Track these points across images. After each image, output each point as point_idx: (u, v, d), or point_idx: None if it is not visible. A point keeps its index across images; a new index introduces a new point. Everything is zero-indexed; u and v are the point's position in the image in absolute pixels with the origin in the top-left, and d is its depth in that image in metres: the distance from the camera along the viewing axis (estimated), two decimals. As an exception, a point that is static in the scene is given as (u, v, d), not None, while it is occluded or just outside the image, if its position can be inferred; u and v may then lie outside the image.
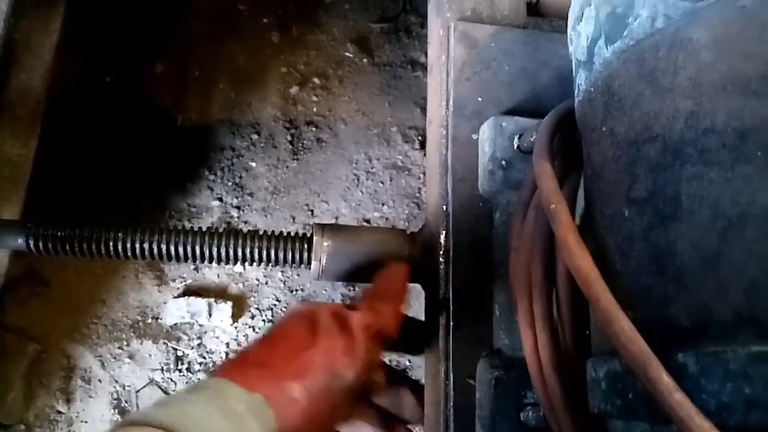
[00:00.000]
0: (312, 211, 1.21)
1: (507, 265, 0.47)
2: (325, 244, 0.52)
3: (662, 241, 0.30)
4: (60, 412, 1.11)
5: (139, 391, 1.12)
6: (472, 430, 0.46)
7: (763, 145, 0.28)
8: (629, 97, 0.34)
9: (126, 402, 1.13)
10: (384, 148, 1.23)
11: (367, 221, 1.20)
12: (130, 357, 1.14)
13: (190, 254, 0.54)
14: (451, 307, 0.48)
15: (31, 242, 0.53)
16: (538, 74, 0.56)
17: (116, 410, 1.11)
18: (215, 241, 0.55)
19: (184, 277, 1.17)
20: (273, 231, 0.56)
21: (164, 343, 1.15)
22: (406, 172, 1.22)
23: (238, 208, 1.21)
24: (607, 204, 0.35)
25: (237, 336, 1.15)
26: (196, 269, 1.18)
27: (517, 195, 0.47)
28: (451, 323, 0.48)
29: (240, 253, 0.55)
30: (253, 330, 1.16)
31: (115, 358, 1.14)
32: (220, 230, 0.56)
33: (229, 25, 1.29)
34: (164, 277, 1.17)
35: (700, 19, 0.31)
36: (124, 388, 1.12)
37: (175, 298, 1.16)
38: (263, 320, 1.17)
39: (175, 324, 1.16)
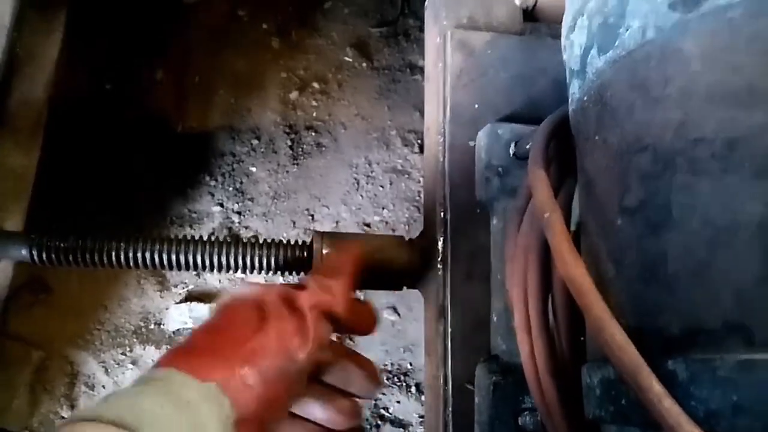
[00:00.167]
0: (312, 215, 1.22)
1: (504, 271, 0.47)
2: (325, 251, 0.53)
3: (653, 250, 0.31)
4: (64, 418, 1.12)
5: (142, 396, 1.13)
6: (471, 435, 0.46)
7: (750, 156, 0.28)
8: (621, 107, 0.35)
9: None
10: (384, 152, 1.24)
11: (368, 225, 1.20)
12: (133, 363, 1.15)
13: (191, 263, 0.55)
14: (449, 313, 0.49)
15: (35, 253, 0.54)
16: (534, 80, 0.57)
17: (120, 416, 1.12)
18: (216, 250, 0.56)
19: (185, 283, 1.18)
20: (273, 239, 0.57)
21: (167, 348, 1.15)
22: (406, 176, 1.23)
23: (239, 213, 1.21)
24: (600, 212, 0.36)
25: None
26: (198, 275, 1.19)
27: (513, 202, 0.48)
28: (449, 329, 0.49)
29: (241, 262, 0.55)
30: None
31: (118, 364, 1.15)
32: (221, 239, 0.57)
33: (228, 31, 1.30)
34: (166, 283, 1.18)
35: (690, 30, 0.32)
36: (127, 394, 1.13)
37: (177, 303, 1.17)
38: (265, 325, 1.17)
39: (178, 329, 1.16)
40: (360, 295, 1.17)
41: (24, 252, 0.55)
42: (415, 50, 1.29)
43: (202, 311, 1.14)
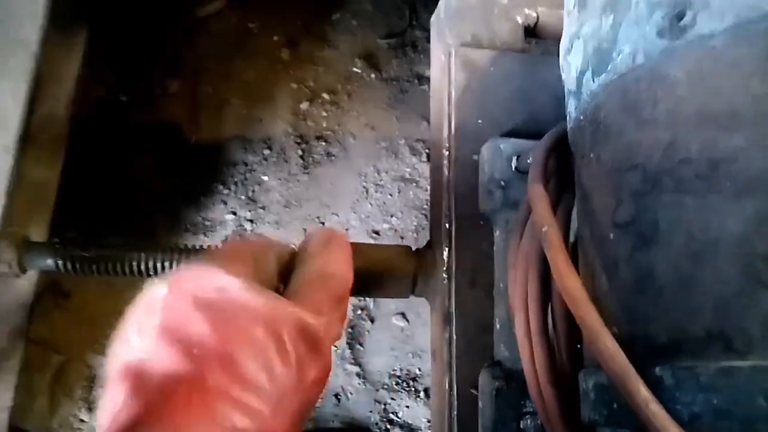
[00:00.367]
0: (323, 223, 1.24)
1: (506, 280, 0.49)
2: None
3: (642, 264, 0.33)
4: (83, 421, 1.15)
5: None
6: (475, 438, 0.48)
7: (731, 176, 0.30)
8: (614, 127, 0.37)
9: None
10: (392, 161, 1.26)
11: (377, 233, 1.23)
12: (149, 367, 1.18)
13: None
14: (454, 321, 0.51)
15: (60, 263, 0.57)
16: (535, 96, 0.59)
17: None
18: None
19: (199, 289, 1.21)
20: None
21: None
22: (414, 184, 1.25)
23: (251, 221, 1.24)
24: (594, 226, 0.38)
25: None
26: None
27: (515, 214, 0.50)
28: (454, 336, 0.51)
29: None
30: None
31: (134, 368, 1.18)
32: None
33: (239, 44, 1.33)
34: (181, 289, 1.21)
35: (676, 56, 0.34)
36: (143, 398, 1.16)
37: (192, 309, 1.20)
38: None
39: (192, 335, 1.19)
40: (370, 302, 1.19)
41: (50, 261, 0.57)
42: (422, 61, 1.32)
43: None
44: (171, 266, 0.58)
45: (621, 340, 0.31)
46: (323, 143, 1.28)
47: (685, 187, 0.32)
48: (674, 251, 0.31)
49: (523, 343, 0.43)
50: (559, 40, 0.46)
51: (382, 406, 1.15)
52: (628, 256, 0.34)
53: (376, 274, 0.54)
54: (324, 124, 1.28)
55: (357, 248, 0.59)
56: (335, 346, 1.16)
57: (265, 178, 1.25)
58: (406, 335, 1.19)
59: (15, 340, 0.66)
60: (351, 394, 1.15)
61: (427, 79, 1.31)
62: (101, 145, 1.21)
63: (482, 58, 0.59)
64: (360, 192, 1.25)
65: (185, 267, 0.33)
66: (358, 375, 1.16)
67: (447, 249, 0.54)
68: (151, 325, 0.29)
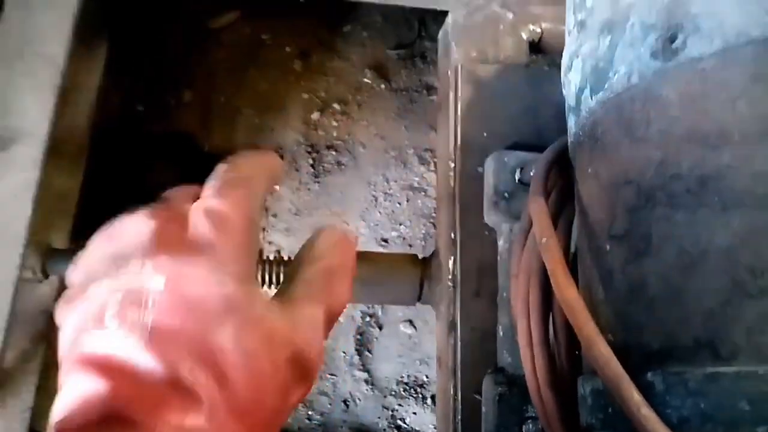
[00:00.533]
0: (332, 230, 1.26)
1: (509, 289, 0.51)
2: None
3: (636, 275, 0.34)
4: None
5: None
6: (479, 442, 0.50)
7: (719, 191, 0.32)
8: (610, 144, 0.39)
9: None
10: (401, 170, 1.28)
11: (385, 240, 1.25)
12: (162, 371, 1.20)
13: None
14: (459, 328, 0.53)
15: (81, 269, 0.59)
16: (539, 110, 0.61)
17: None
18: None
19: (211, 295, 1.23)
20: (291, 256, 0.62)
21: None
22: (423, 193, 1.27)
23: (263, 228, 1.27)
24: (592, 238, 0.39)
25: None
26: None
27: (518, 225, 0.51)
28: (459, 343, 0.52)
29: (267, 277, 0.60)
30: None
31: (147, 372, 1.20)
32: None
33: (252, 55, 1.36)
34: (193, 295, 1.23)
35: (669, 77, 0.35)
36: (156, 401, 1.18)
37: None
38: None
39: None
40: (378, 309, 1.21)
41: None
42: (431, 72, 1.34)
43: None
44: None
45: (615, 347, 0.33)
46: (333, 152, 1.30)
47: (676, 202, 0.33)
48: (665, 263, 0.33)
49: (525, 350, 0.45)
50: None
51: (390, 413, 1.17)
52: (622, 267, 0.36)
53: (383, 281, 0.56)
54: (334, 134, 1.30)
55: (365, 256, 0.60)
56: (343, 352, 1.18)
57: (277, 186, 1.28)
58: (414, 342, 1.21)
59: (36, 343, 0.68)
60: (359, 400, 1.17)
61: (436, 90, 1.33)
62: (117, 153, 1.25)
63: (488, 72, 0.61)
64: (369, 200, 1.27)
65: (183, 256, 0.28)
66: (366, 381, 1.17)
67: (452, 258, 0.56)
68: (138, 323, 0.26)
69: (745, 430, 0.28)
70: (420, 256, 0.61)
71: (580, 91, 0.43)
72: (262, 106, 1.33)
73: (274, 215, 1.25)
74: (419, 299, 0.58)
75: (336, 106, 1.31)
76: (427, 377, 1.18)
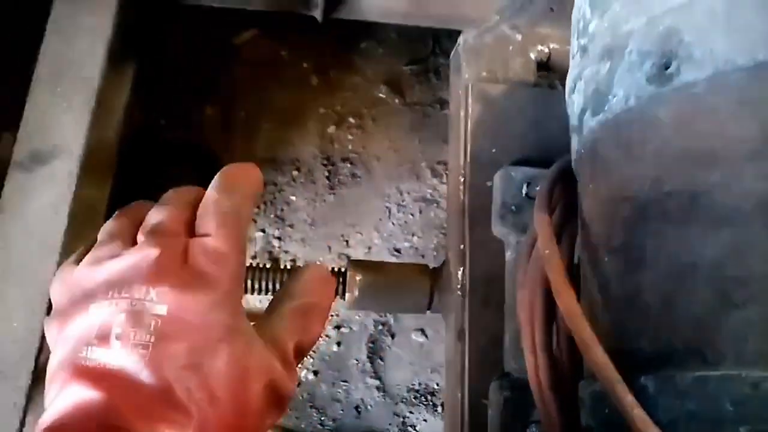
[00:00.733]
0: (347, 241, 1.30)
1: (516, 298, 0.53)
2: (358, 278, 0.60)
3: (632, 285, 0.37)
4: None
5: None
6: (486, 445, 0.52)
7: (708, 208, 0.34)
8: (609, 162, 0.41)
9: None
10: (414, 183, 1.31)
11: (398, 251, 1.27)
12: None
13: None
14: (467, 336, 0.55)
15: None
16: (546, 127, 0.63)
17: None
18: (263, 275, 0.63)
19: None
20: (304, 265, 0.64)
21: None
22: (435, 205, 1.29)
23: (279, 238, 1.30)
24: (592, 250, 0.42)
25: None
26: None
27: (524, 237, 0.54)
28: (467, 350, 0.55)
29: (258, 285, 0.63)
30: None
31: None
32: (263, 265, 0.64)
33: (271, 71, 1.40)
34: (211, 303, 1.27)
35: (664, 101, 0.38)
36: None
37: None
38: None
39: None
40: (390, 317, 1.24)
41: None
42: (444, 87, 1.37)
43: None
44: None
45: (612, 352, 0.35)
46: (349, 165, 1.33)
47: (669, 218, 0.36)
48: (659, 274, 0.35)
49: (529, 356, 0.47)
50: (570, 75, 0.51)
51: (401, 419, 1.19)
52: (619, 277, 0.38)
53: (395, 290, 0.58)
54: (350, 147, 1.34)
55: (378, 266, 0.63)
56: (356, 360, 1.20)
57: (293, 197, 1.31)
58: (425, 351, 1.23)
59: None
60: (371, 406, 1.19)
61: (449, 105, 1.36)
62: (141, 165, 1.29)
63: (497, 91, 0.64)
64: (383, 212, 1.30)
65: (184, 286, 0.31)
66: (378, 388, 1.20)
67: (462, 268, 0.58)
68: (141, 343, 0.29)
69: (729, 430, 0.30)
70: (431, 266, 0.63)
71: (582, 112, 0.45)
72: (281, 120, 1.37)
73: (291, 225, 1.29)
74: (429, 308, 0.61)
75: (351, 120, 1.35)
76: (437, 385, 1.20)
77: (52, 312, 0.34)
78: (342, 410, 1.18)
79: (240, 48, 1.42)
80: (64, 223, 0.56)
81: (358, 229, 1.29)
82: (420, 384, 1.21)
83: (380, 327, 1.24)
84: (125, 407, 0.28)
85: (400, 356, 1.21)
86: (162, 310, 0.30)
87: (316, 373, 1.19)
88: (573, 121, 0.48)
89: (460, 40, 0.68)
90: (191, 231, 0.34)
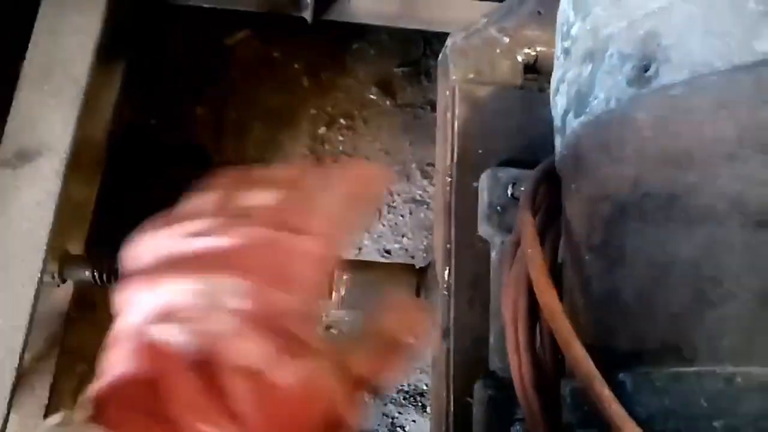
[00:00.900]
0: (337, 242, 1.30)
1: (500, 297, 0.54)
2: (344, 277, 0.60)
3: (611, 283, 0.37)
4: None
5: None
6: (470, 444, 0.53)
7: (685, 208, 0.35)
8: (590, 163, 0.42)
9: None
10: (404, 184, 1.32)
11: (388, 252, 1.28)
12: (169, 377, 1.23)
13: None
14: (452, 335, 0.56)
15: (96, 275, 0.63)
16: (532, 129, 0.64)
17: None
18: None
19: (218, 303, 1.26)
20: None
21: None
22: (425, 206, 1.30)
23: (269, 239, 1.30)
24: (574, 249, 0.42)
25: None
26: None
27: (509, 238, 0.54)
28: (453, 349, 0.55)
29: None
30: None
31: (154, 377, 1.23)
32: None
33: (263, 72, 1.40)
34: (201, 303, 1.27)
35: (642, 103, 0.39)
36: (162, 406, 1.21)
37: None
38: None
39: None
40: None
41: (87, 273, 0.64)
42: (435, 89, 1.38)
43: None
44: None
45: (592, 349, 0.36)
46: (339, 166, 1.34)
47: (648, 217, 0.36)
48: (637, 272, 0.36)
49: (513, 354, 0.47)
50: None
51: (390, 420, 1.19)
52: (599, 276, 0.38)
53: (381, 289, 0.59)
54: (340, 148, 1.34)
55: (365, 265, 0.64)
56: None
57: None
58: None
59: (52, 346, 0.72)
60: (360, 408, 1.19)
61: (439, 107, 1.37)
62: (131, 164, 1.29)
63: (484, 93, 0.65)
64: (373, 213, 1.30)
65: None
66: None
67: (447, 268, 0.59)
68: (205, 332, 0.28)
69: (703, 424, 0.30)
70: (417, 266, 0.64)
71: (565, 113, 0.46)
72: (272, 120, 1.37)
73: (281, 226, 1.29)
74: (416, 307, 0.61)
75: (342, 121, 1.35)
76: (426, 386, 1.21)
77: (130, 270, 0.32)
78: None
79: (232, 49, 1.42)
80: (51, 221, 0.56)
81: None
82: (409, 385, 1.21)
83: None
84: (175, 395, 0.27)
85: (388, 357, 1.21)
86: (239, 303, 0.28)
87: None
88: (557, 122, 0.49)
89: (448, 42, 0.68)
90: (288, 218, 0.31)
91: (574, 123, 0.44)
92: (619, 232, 0.38)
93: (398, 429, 1.20)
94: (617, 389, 0.34)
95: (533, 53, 0.69)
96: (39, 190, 0.56)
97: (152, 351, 0.28)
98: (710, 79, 0.35)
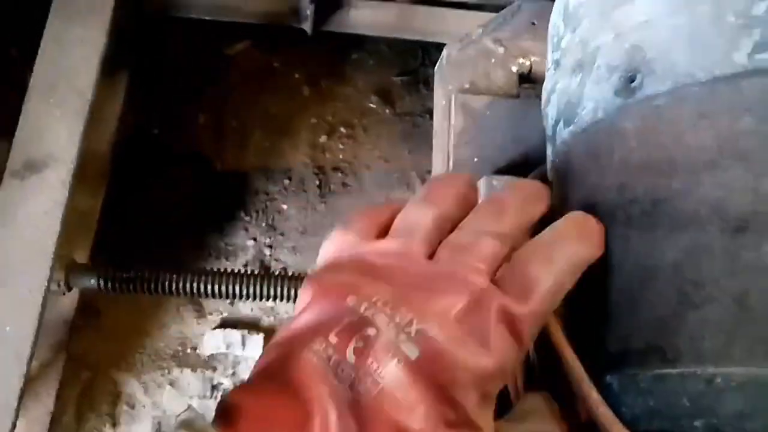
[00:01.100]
0: (338, 249, 1.31)
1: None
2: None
3: (600, 286, 0.39)
4: (108, 435, 1.21)
5: (178, 416, 1.22)
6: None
7: (668, 214, 0.36)
8: (580, 171, 0.43)
9: (166, 426, 1.22)
10: (404, 191, 1.33)
11: (389, 259, 1.29)
12: (171, 384, 1.24)
13: (230, 293, 0.64)
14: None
15: (101, 283, 0.64)
16: (527, 137, 0.65)
17: (157, 433, 1.21)
18: (251, 282, 0.65)
19: (220, 311, 1.28)
20: (295, 272, 0.66)
21: (202, 371, 1.25)
22: (425, 214, 1.32)
23: (271, 246, 1.31)
24: (565, 255, 0.44)
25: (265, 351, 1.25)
26: (231, 304, 1.28)
27: (504, 244, 0.56)
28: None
29: (272, 292, 0.65)
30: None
31: (157, 385, 1.24)
32: (255, 272, 0.66)
33: (264, 80, 1.43)
34: (203, 311, 1.28)
35: (628, 113, 0.40)
36: (164, 413, 1.22)
37: (213, 330, 1.27)
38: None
39: (212, 354, 1.26)
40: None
41: (93, 281, 0.65)
42: (433, 97, 1.40)
43: (235, 337, 1.24)
44: (196, 286, 0.65)
45: (581, 351, 0.37)
46: (339, 174, 1.35)
47: (633, 223, 0.37)
48: (624, 276, 0.37)
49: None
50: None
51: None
52: (587, 279, 0.40)
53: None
54: (340, 156, 1.36)
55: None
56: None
57: (285, 206, 1.33)
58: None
59: (57, 353, 0.73)
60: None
61: (438, 115, 1.39)
62: (134, 173, 1.31)
63: (479, 102, 0.66)
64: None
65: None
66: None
67: (444, 274, 0.60)
68: (366, 375, 0.25)
69: (686, 423, 0.32)
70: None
71: (556, 123, 0.47)
72: (273, 129, 1.39)
73: (282, 234, 1.30)
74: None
75: (342, 129, 1.37)
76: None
77: (323, 269, 0.30)
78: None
79: (233, 58, 1.44)
80: (57, 230, 0.58)
81: (348, 237, 1.30)
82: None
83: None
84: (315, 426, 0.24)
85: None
86: (413, 352, 0.25)
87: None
88: (548, 131, 0.50)
89: (444, 53, 0.70)
90: (510, 272, 0.28)
91: (564, 132, 0.46)
92: (607, 237, 0.39)
93: None
94: (605, 391, 0.35)
95: (528, 63, 0.70)
96: (46, 199, 0.58)
97: (307, 373, 0.25)
98: (692, 89, 0.37)
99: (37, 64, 0.61)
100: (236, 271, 0.66)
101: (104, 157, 0.83)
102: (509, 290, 0.29)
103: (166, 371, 1.25)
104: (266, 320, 1.27)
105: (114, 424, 1.22)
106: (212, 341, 1.25)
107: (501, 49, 0.70)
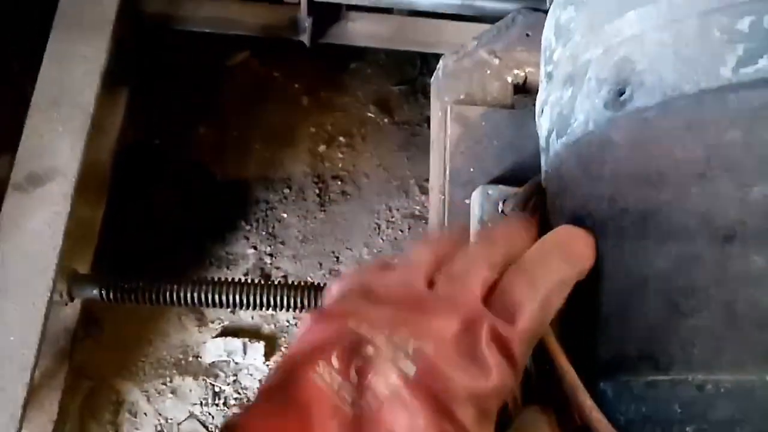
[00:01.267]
0: (338, 257, 1.32)
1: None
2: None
3: (592, 295, 0.39)
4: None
5: (180, 423, 1.22)
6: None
7: (658, 225, 0.37)
8: (572, 181, 0.44)
9: (168, 435, 1.23)
10: (403, 200, 1.34)
11: (388, 267, 1.30)
12: (173, 392, 1.25)
13: (231, 302, 0.65)
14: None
15: (104, 293, 0.65)
16: (522, 147, 0.66)
17: (159, 442, 1.21)
18: (251, 291, 0.66)
19: (221, 319, 1.29)
20: (295, 281, 0.67)
21: (203, 379, 1.25)
22: (423, 221, 1.32)
23: (271, 255, 1.32)
24: (559, 264, 0.44)
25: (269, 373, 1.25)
26: (233, 312, 1.29)
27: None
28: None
29: (272, 301, 0.66)
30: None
31: (159, 393, 1.25)
32: (255, 281, 0.67)
33: (263, 91, 1.44)
34: (204, 319, 1.29)
35: (618, 125, 0.41)
36: (166, 421, 1.22)
37: (214, 338, 1.27)
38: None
39: (213, 362, 1.26)
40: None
41: (95, 292, 0.66)
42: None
43: (236, 345, 1.24)
44: (198, 295, 0.65)
45: (575, 359, 0.38)
46: (339, 183, 1.36)
47: (624, 233, 0.38)
48: (616, 285, 0.38)
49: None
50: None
51: None
52: (581, 288, 0.40)
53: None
54: (340, 165, 1.37)
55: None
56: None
57: (285, 215, 1.34)
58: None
59: (60, 362, 0.74)
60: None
61: (436, 123, 1.40)
62: (136, 184, 1.32)
63: (475, 113, 0.67)
64: (372, 228, 1.33)
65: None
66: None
67: (442, 283, 0.61)
68: (360, 396, 0.26)
69: (677, 429, 0.32)
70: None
71: (549, 134, 0.48)
72: (272, 138, 1.40)
73: (282, 242, 1.31)
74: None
75: (342, 139, 1.38)
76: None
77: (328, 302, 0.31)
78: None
79: (233, 70, 1.46)
80: (59, 242, 0.59)
81: (348, 245, 1.31)
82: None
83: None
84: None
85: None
86: (410, 369, 0.26)
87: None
88: (541, 142, 0.51)
89: (440, 64, 0.71)
90: (500, 298, 0.30)
91: (557, 144, 0.47)
92: (598, 247, 0.40)
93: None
94: (599, 398, 0.36)
95: (522, 74, 0.72)
96: (49, 212, 0.59)
97: (305, 393, 0.26)
98: (680, 102, 0.38)
99: (40, 79, 0.62)
100: (237, 280, 0.67)
101: (105, 167, 0.84)
102: (499, 313, 0.30)
103: (168, 379, 1.25)
104: (267, 328, 1.27)
105: (116, 433, 1.23)
106: (213, 349, 1.26)
107: (496, 61, 0.72)
